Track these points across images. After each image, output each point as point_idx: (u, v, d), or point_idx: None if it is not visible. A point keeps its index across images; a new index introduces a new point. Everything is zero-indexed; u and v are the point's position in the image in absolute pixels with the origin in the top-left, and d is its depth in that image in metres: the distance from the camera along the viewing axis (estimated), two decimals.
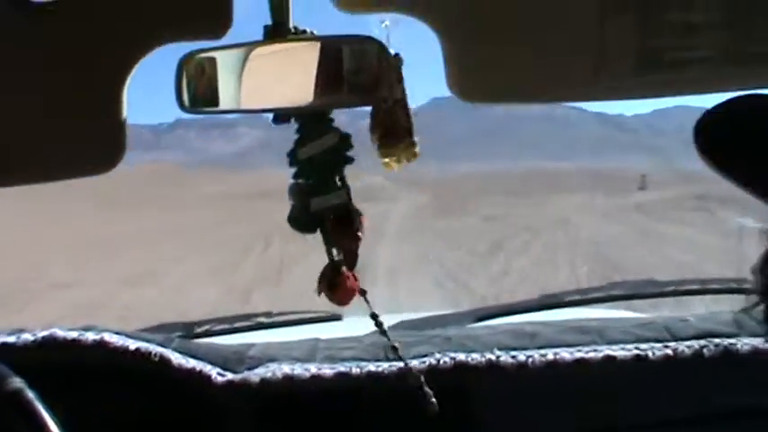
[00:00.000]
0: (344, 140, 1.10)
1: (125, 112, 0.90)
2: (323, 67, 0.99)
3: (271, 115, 1.05)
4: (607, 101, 1.03)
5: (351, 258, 1.15)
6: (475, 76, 0.94)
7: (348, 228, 1.13)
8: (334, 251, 1.15)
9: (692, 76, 0.93)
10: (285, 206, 1.12)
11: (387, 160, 1.07)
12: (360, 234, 1.14)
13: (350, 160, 1.11)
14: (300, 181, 1.11)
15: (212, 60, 0.96)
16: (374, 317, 1.22)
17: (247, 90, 0.98)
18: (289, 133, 1.08)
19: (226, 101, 0.97)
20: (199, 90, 0.96)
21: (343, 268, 1.15)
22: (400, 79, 1.04)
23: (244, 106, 0.99)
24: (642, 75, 0.92)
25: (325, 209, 1.11)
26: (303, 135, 1.09)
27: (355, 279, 1.16)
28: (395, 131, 1.06)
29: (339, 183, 1.12)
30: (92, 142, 0.89)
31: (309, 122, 1.09)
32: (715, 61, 0.91)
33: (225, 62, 0.97)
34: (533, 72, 0.94)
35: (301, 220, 1.12)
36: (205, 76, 0.96)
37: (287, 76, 0.99)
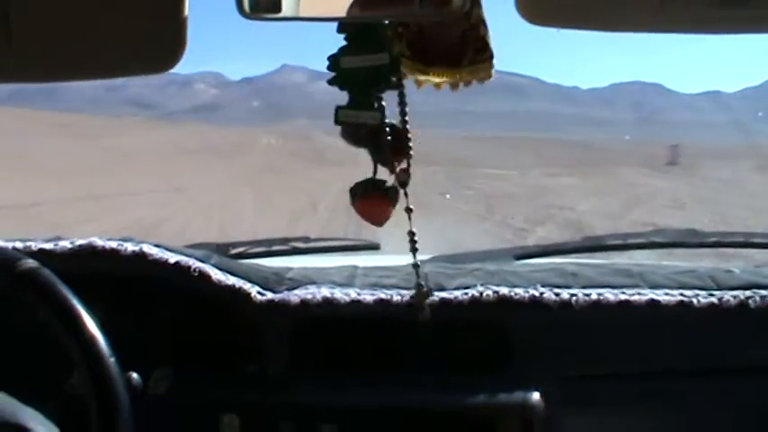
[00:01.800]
0: (395, 63, 1.07)
1: (186, 12, 0.89)
2: None
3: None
4: (675, 32, 0.99)
5: (402, 175, 1.14)
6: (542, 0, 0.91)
7: (398, 145, 1.11)
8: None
9: (763, 14, 0.89)
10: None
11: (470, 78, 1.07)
12: (408, 153, 1.13)
13: (394, 85, 1.09)
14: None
15: None
16: (411, 234, 1.19)
17: None
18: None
19: (288, 8, 0.93)
20: None
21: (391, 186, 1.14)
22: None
23: (306, 14, 0.95)
24: (714, 8, 0.88)
25: (354, 125, 1.10)
26: (351, 45, 1.06)
27: (390, 198, 1.15)
28: (484, 48, 1.06)
29: (376, 103, 1.10)
30: (154, 39, 0.88)
31: (363, 34, 1.05)
32: None
33: None
34: None
35: (351, 131, 1.11)
36: None
37: None
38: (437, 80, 1.10)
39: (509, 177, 19.31)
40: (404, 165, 1.13)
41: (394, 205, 1.16)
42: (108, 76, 0.93)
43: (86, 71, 0.91)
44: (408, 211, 1.16)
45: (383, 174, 1.16)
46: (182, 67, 0.91)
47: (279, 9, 0.94)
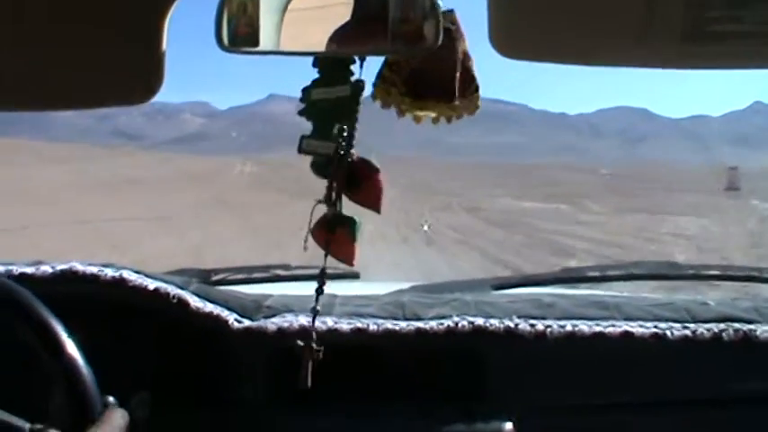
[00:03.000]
0: (354, 96, 1.07)
1: (165, 44, 0.90)
2: (367, 14, 0.97)
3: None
4: (649, 67, 1.01)
5: (331, 208, 1.11)
6: (518, 34, 0.92)
7: (354, 181, 1.10)
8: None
9: (738, 50, 0.91)
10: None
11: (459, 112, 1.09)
12: (368, 190, 1.11)
13: (353, 117, 1.09)
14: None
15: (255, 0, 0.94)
16: (322, 271, 1.14)
17: (288, 32, 0.96)
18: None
19: (266, 42, 0.95)
20: (239, 29, 0.94)
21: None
22: (461, 33, 1.05)
23: (283, 48, 0.97)
24: (687, 44, 0.90)
25: (313, 154, 1.09)
26: (321, 77, 1.07)
27: (347, 234, 1.12)
28: (471, 81, 1.08)
29: (336, 133, 1.09)
30: (132, 72, 0.88)
31: (331, 67, 1.06)
32: (762, 36, 0.89)
33: (268, 2, 0.95)
34: (577, 32, 0.92)
35: (321, 166, 1.11)
36: (246, 16, 0.94)
37: (329, 21, 0.97)
38: (434, 115, 1.12)
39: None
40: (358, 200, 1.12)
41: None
42: (86, 106, 0.94)
43: (65, 101, 0.93)
44: (326, 243, 1.12)
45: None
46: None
47: (257, 43, 0.95)
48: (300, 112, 1.09)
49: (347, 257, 1.12)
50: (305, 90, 1.08)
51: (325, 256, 1.12)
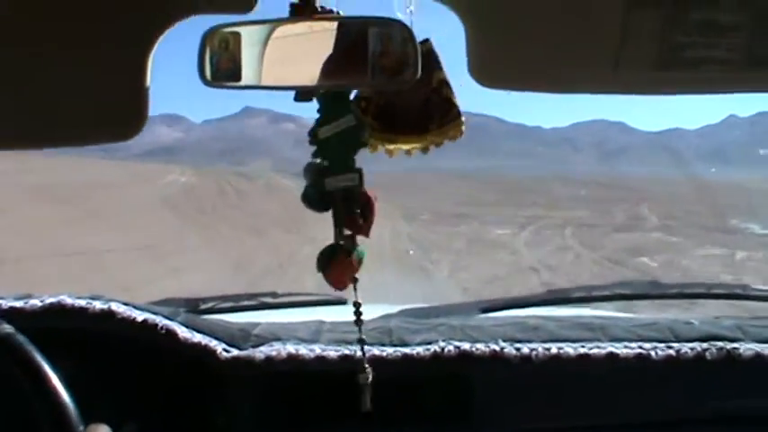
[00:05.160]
0: (360, 123, 1.11)
1: (149, 81, 0.90)
2: (347, 48, 0.98)
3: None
4: (625, 94, 1.03)
5: (351, 242, 1.15)
6: (496, 63, 0.94)
7: (356, 210, 1.13)
8: (345, 232, 1.15)
9: (712, 76, 0.93)
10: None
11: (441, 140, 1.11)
12: (367, 219, 1.14)
13: (364, 144, 1.12)
14: (317, 160, 1.12)
15: (236, 35, 0.95)
16: (356, 305, 1.20)
17: (270, 67, 0.98)
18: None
19: (248, 76, 0.97)
20: (221, 64, 0.96)
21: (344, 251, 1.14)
22: (438, 61, 1.08)
23: (265, 83, 0.98)
24: (662, 70, 0.92)
25: (336, 189, 1.11)
26: (324, 115, 1.09)
27: (352, 263, 1.15)
28: (450, 109, 1.10)
29: (352, 164, 1.12)
30: (115, 109, 0.89)
31: (331, 102, 1.09)
32: (736, 63, 0.91)
33: (249, 38, 0.96)
34: (554, 61, 0.94)
35: (314, 198, 1.12)
36: (229, 51, 0.95)
37: (310, 55, 0.99)
38: (407, 147, 1.14)
39: None
40: (359, 230, 1.14)
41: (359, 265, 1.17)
42: (70, 144, 0.94)
43: (49, 140, 0.93)
44: (354, 280, 1.16)
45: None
46: None
47: (239, 78, 0.97)
48: (314, 155, 1.11)
49: (345, 285, 1.16)
50: (311, 132, 1.10)
51: (355, 288, 1.17)
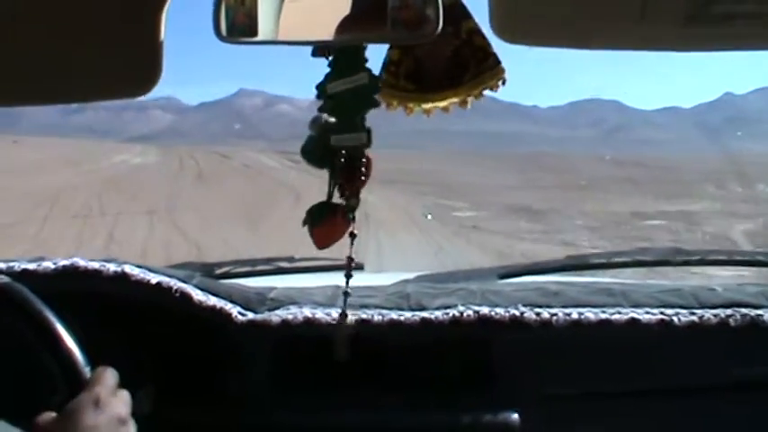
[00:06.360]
0: (374, 82, 1.08)
1: (162, 37, 0.88)
2: (366, 2, 0.95)
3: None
4: (651, 50, 1.00)
5: (353, 200, 1.13)
6: (518, 18, 0.92)
7: (357, 170, 1.11)
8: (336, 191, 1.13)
9: (741, 31, 0.91)
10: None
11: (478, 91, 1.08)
12: (363, 178, 1.12)
13: (376, 103, 1.09)
14: (324, 115, 1.09)
15: None
16: (349, 260, 1.18)
17: (287, 22, 0.95)
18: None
19: (264, 32, 0.94)
20: (237, 19, 0.93)
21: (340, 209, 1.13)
22: (466, 11, 1.05)
23: (282, 38, 0.96)
24: (689, 26, 0.90)
25: (345, 147, 1.10)
26: (335, 70, 1.06)
27: (347, 220, 1.13)
28: (485, 58, 1.07)
29: (361, 123, 1.10)
30: (130, 65, 0.87)
31: (343, 58, 1.06)
32: (765, 17, 0.89)
33: None
34: (578, 15, 0.91)
35: (315, 153, 1.11)
36: (245, 6, 0.93)
37: (328, 10, 0.96)
38: (443, 104, 1.12)
39: None
40: (353, 189, 1.12)
41: (348, 227, 1.15)
42: (86, 99, 0.94)
43: (64, 95, 0.92)
44: (352, 236, 1.14)
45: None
46: None
47: (255, 33, 0.94)
48: (320, 109, 1.08)
49: (329, 244, 1.15)
50: (319, 86, 1.07)
51: (351, 245, 1.14)
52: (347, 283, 1.21)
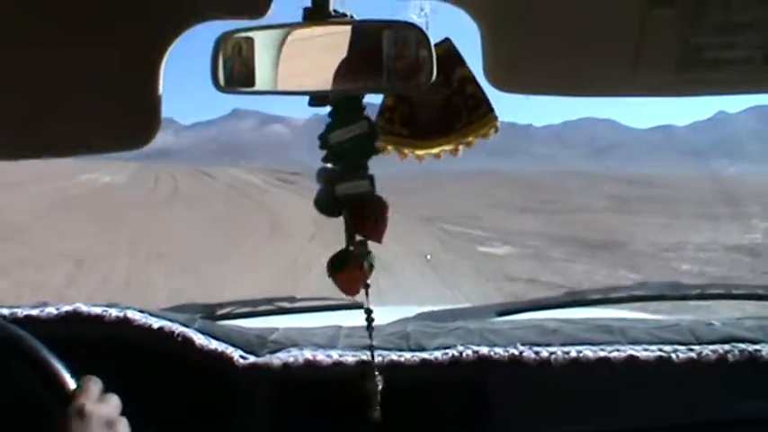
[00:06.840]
0: (374, 129, 1.09)
1: (161, 89, 0.89)
2: (361, 52, 0.97)
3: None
4: (644, 96, 1.02)
5: (363, 248, 1.13)
6: (512, 67, 0.93)
7: (369, 216, 1.11)
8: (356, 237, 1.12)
9: (732, 76, 0.92)
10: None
11: (470, 139, 1.09)
12: (379, 224, 1.11)
13: (376, 150, 1.10)
14: (329, 166, 1.10)
15: (250, 41, 0.95)
16: (368, 312, 1.17)
17: (284, 72, 0.97)
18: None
19: (262, 82, 0.96)
20: (235, 70, 0.95)
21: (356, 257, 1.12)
22: (460, 58, 1.07)
23: (279, 88, 0.97)
24: (681, 72, 0.91)
25: (349, 195, 1.10)
26: (336, 120, 1.08)
27: (362, 269, 1.13)
28: (477, 106, 1.09)
29: (364, 171, 1.11)
30: (128, 118, 0.88)
31: (343, 108, 1.08)
32: (755, 62, 0.90)
33: (263, 43, 0.95)
34: (571, 64, 0.93)
35: (326, 204, 1.11)
36: (242, 57, 0.95)
37: (324, 60, 0.98)
38: (435, 150, 1.13)
39: None
40: (371, 236, 1.12)
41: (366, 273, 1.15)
42: (82, 153, 0.94)
43: (62, 149, 0.92)
44: (366, 287, 1.14)
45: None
46: None
47: (253, 83, 0.96)
48: (324, 159, 1.10)
49: (356, 291, 1.14)
50: (322, 136, 1.08)
51: (366, 294, 1.14)
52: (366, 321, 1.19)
